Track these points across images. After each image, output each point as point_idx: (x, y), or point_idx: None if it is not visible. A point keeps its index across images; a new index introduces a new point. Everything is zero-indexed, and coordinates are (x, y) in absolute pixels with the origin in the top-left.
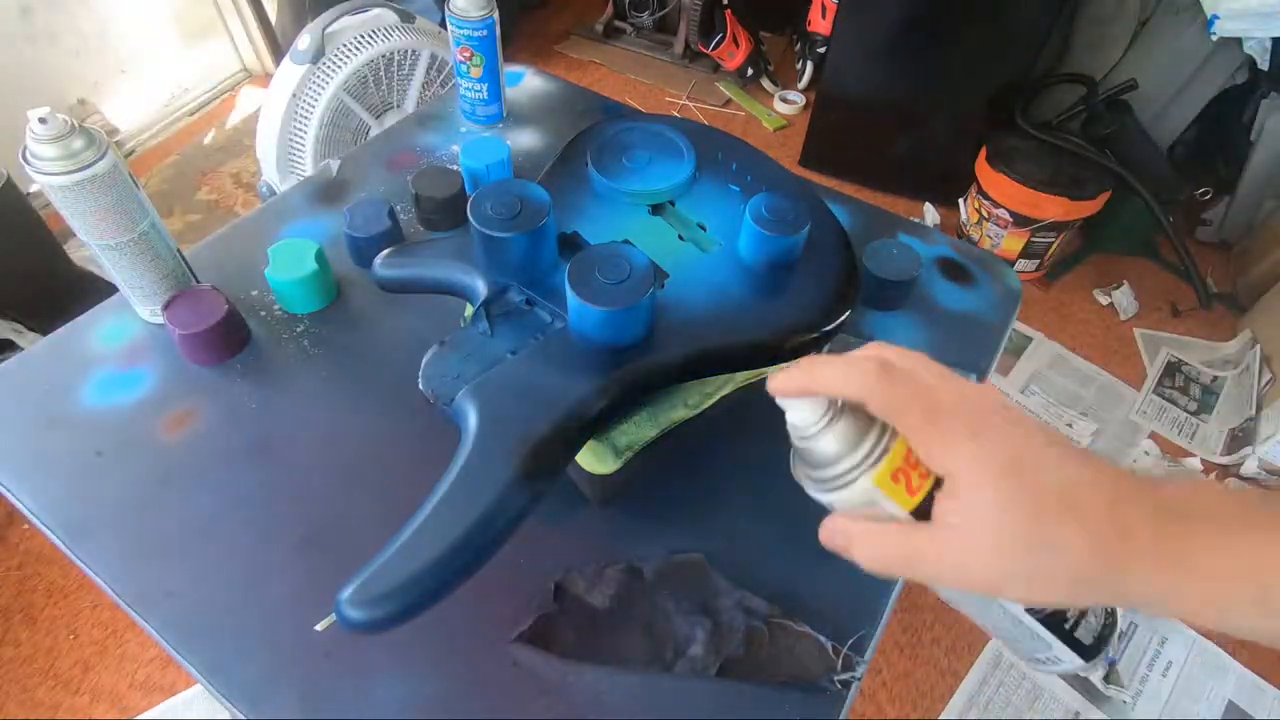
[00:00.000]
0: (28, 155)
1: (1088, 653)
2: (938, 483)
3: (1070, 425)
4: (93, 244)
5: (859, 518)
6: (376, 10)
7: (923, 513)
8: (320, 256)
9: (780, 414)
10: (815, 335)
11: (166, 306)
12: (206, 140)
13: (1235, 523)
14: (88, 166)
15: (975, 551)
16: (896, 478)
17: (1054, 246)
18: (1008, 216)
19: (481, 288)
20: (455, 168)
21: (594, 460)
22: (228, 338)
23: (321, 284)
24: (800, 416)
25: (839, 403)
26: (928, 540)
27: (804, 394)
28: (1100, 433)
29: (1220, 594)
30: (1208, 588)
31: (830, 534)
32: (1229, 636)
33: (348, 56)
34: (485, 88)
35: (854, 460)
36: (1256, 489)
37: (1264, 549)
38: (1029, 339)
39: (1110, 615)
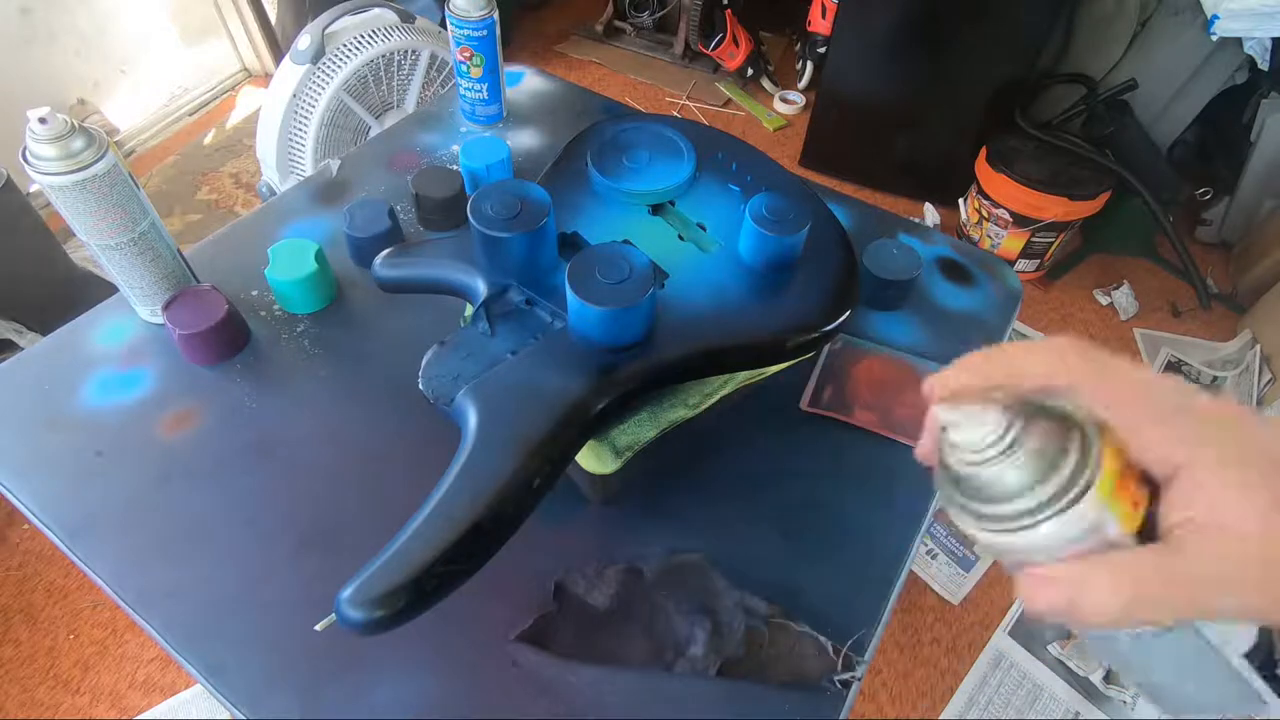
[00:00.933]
0: (27, 155)
1: None
2: (1153, 493)
3: None
4: (92, 244)
5: (1072, 559)
6: (376, 10)
7: (1146, 533)
8: (320, 256)
9: (779, 414)
10: (815, 335)
11: (166, 306)
12: (206, 140)
13: None
14: (87, 167)
15: (1241, 559)
16: (1119, 492)
17: (1054, 247)
18: (1008, 217)
19: (481, 288)
20: (455, 168)
21: (594, 460)
22: (227, 338)
23: (321, 284)
24: (975, 434)
25: (1018, 414)
26: (1184, 561)
27: (982, 394)
28: None
29: None
30: None
31: (1043, 589)
32: None
33: (348, 56)
34: (485, 88)
35: (1059, 482)
36: None
37: None
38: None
39: None
